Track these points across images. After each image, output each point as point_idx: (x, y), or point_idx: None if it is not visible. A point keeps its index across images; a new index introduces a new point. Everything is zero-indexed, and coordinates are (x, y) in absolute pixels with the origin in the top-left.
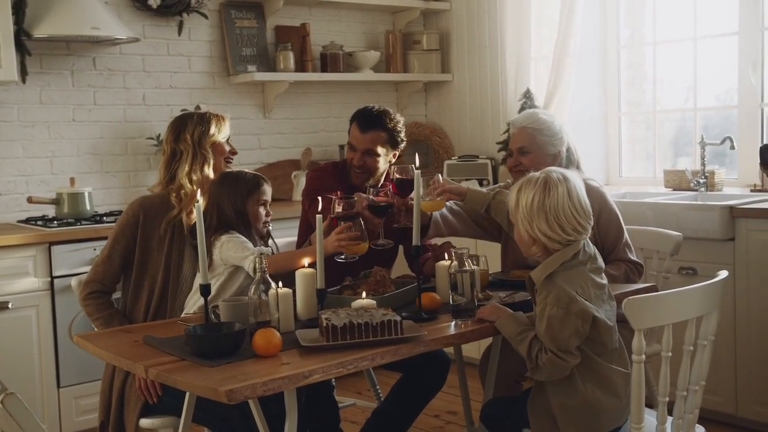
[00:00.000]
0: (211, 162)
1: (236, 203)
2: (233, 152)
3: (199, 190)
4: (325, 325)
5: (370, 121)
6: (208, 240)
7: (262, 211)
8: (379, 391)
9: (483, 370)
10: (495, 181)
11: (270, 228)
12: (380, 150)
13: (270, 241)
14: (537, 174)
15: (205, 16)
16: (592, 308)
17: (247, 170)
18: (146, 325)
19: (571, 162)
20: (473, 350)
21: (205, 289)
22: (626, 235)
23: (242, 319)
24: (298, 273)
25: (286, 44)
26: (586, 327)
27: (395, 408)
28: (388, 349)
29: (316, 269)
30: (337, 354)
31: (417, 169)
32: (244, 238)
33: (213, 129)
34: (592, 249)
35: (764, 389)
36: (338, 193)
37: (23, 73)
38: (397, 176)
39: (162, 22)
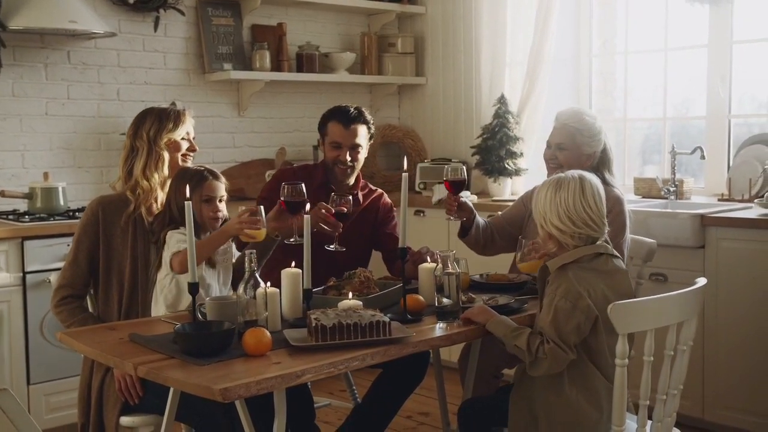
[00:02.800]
0: (166, 159)
1: (180, 200)
2: (192, 149)
3: (158, 187)
4: (314, 325)
5: (353, 117)
6: (147, 241)
7: (206, 208)
8: (356, 391)
9: (463, 370)
10: (468, 186)
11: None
12: (364, 143)
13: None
14: (556, 174)
15: (182, 13)
16: (596, 311)
17: (202, 166)
18: (130, 322)
19: (603, 163)
20: (444, 352)
21: (193, 288)
22: (624, 243)
23: (229, 318)
24: (284, 273)
25: (263, 43)
26: (588, 326)
27: (374, 405)
28: (378, 350)
29: (302, 269)
30: (327, 354)
31: (405, 171)
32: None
33: (170, 126)
34: (621, 266)
35: (731, 394)
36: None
37: None
38: (450, 178)
39: (138, 18)
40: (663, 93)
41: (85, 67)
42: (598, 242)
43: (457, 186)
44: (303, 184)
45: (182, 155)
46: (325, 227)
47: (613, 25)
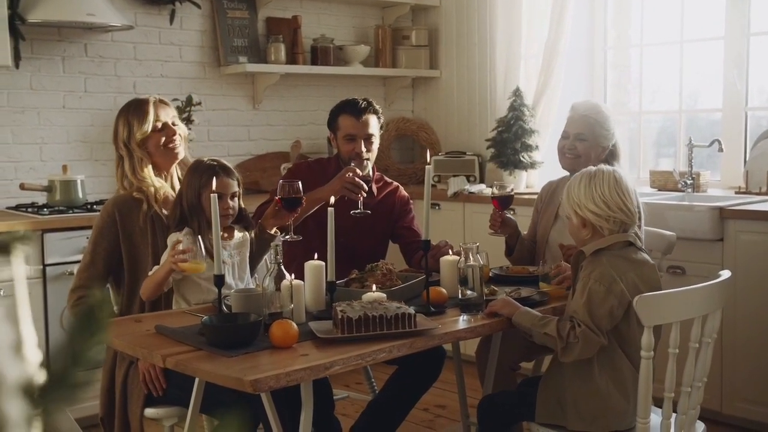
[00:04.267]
0: (146, 159)
1: (190, 196)
2: (170, 134)
3: (157, 183)
4: (340, 317)
5: (363, 108)
6: (167, 235)
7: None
8: (374, 383)
9: (481, 363)
10: (482, 178)
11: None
12: (376, 133)
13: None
14: (587, 169)
15: (198, 6)
16: (630, 297)
17: (215, 160)
18: (155, 314)
19: (613, 156)
20: (461, 345)
21: (218, 280)
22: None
23: (253, 310)
24: (307, 265)
25: (278, 36)
26: (620, 312)
27: (391, 399)
28: (404, 342)
29: (325, 261)
30: (354, 346)
31: (428, 164)
32: (178, 241)
33: (135, 124)
34: (649, 259)
35: (749, 387)
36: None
37: (16, 58)
38: (497, 192)
39: (154, 11)
40: (678, 85)
41: (102, 60)
42: (629, 232)
43: (504, 202)
44: (300, 183)
45: (164, 145)
46: (351, 193)
47: (627, 17)
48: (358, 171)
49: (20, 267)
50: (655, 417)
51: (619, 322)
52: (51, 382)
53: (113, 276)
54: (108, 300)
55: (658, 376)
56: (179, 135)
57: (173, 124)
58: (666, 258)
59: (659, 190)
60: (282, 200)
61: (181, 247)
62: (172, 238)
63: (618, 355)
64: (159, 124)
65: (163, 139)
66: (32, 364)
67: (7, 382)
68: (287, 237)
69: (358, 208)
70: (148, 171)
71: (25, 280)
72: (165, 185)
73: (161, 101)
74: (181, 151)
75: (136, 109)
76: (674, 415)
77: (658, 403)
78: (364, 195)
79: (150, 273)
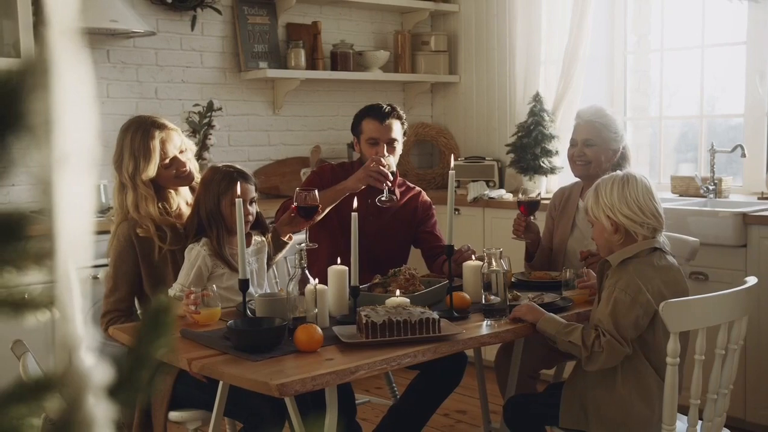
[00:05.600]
0: (150, 198)
1: (208, 204)
2: (180, 168)
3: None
4: (364, 321)
5: (387, 112)
6: (185, 247)
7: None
8: (396, 388)
9: (500, 369)
10: (502, 184)
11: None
12: (400, 138)
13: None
14: (614, 173)
15: (219, 12)
16: (655, 306)
17: (231, 166)
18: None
19: (625, 158)
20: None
21: (244, 284)
22: None
23: (277, 315)
24: (331, 270)
25: (298, 42)
26: (646, 321)
27: (412, 405)
28: (429, 347)
29: (348, 265)
30: (378, 351)
31: (451, 170)
32: (197, 262)
33: (141, 164)
34: (675, 263)
35: None
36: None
37: None
38: (524, 197)
39: (176, 17)
40: (699, 90)
41: (125, 66)
42: (656, 239)
43: (531, 207)
44: (317, 191)
45: (175, 176)
46: (376, 181)
47: (648, 22)
48: (382, 161)
49: (74, 270)
50: (681, 424)
51: (644, 330)
52: (117, 385)
53: (137, 295)
54: (174, 304)
55: (684, 383)
56: (188, 161)
57: (181, 152)
58: (689, 264)
59: (680, 195)
60: (298, 208)
61: (192, 297)
62: (191, 251)
63: (642, 364)
64: (167, 161)
65: (174, 172)
66: (86, 364)
67: (90, 383)
68: (304, 245)
69: (383, 198)
70: (153, 208)
71: (78, 282)
72: (168, 218)
73: (166, 128)
74: (194, 172)
75: (142, 146)
76: (700, 422)
77: (684, 410)
78: (389, 184)
79: (170, 293)
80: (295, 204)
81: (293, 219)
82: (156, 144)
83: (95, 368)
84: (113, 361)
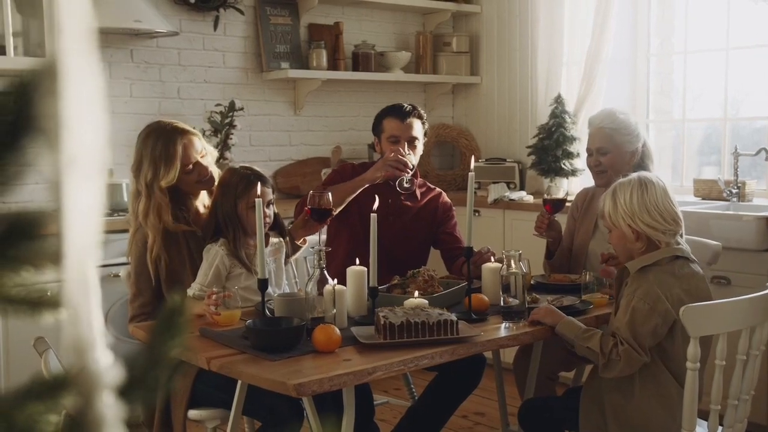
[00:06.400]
0: (164, 206)
1: (225, 207)
2: (202, 173)
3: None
4: (382, 323)
5: (408, 111)
6: (203, 247)
7: (253, 214)
8: (414, 390)
9: (519, 371)
10: (522, 185)
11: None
12: (420, 137)
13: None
14: (629, 176)
15: (241, 12)
16: (675, 315)
17: (249, 169)
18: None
19: (646, 156)
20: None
21: (263, 284)
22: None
23: (295, 315)
24: (349, 271)
25: (319, 42)
26: (664, 329)
27: (430, 407)
28: (446, 348)
29: (367, 265)
30: (396, 352)
31: (471, 171)
32: (215, 261)
33: (161, 171)
34: (698, 271)
35: None
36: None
37: None
38: (551, 197)
39: (198, 17)
40: (723, 93)
41: (148, 66)
42: (678, 246)
43: (556, 206)
44: (330, 194)
45: (197, 181)
46: (396, 170)
47: (671, 24)
48: (401, 151)
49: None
50: (701, 430)
51: (662, 339)
52: (130, 384)
53: (160, 298)
54: (194, 304)
55: (704, 389)
56: (210, 165)
57: (202, 156)
58: (711, 268)
59: (703, 198)
60: (311, 211)
61: (213, 297)
62: (209, 251)
63: (662, 371)
64: (190, 167)
65: (196, 177)
66: (103, 365)
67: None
68: (321, 247)
69: (404, 182)
70: (167, 216)
71: (98, 282)
72: (181, 225)
73: (187, 133)
74: (215, 176)
75: (163, 152)
76: (720, 428)
77: (704, 416)
78: (409, 172)
79: (189, 293)
80: (308, 207)
81: (307, 222)
82: (178, 150)
83: (107, 368)
84: (127, 360)
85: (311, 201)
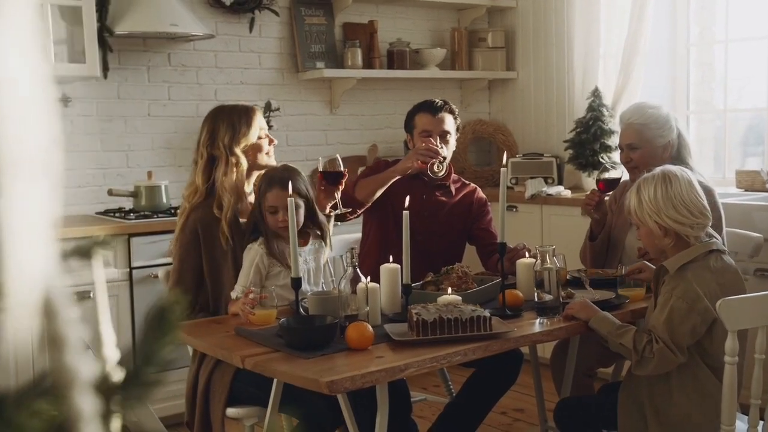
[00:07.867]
0: (244, 165)
1: (255, 206)
2: (271, 142)
3: (237, 193)
4: (415, 319)
5: (440, 106)
6: (246, 246)
7: (271, 218)
8: (451, 386)
9: (556, 367)
10: (560, 180)
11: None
12: (452, 132)
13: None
14: (653, 171)
15: (276, 14)
16: (715, 313)
17: (280, 166)
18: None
19: (683, 147)
20: (538, 348)
21: (296, 283)
22: (723, 237)
23: (329, 313)
24: (383, 268)
25: (354, 41)
26: (703, 329)
27: (468, 403)
28: (479, 345)
29: (400, 263)
30: (429, 348)
31: (503, 166)
32: (255, 260)
33: (243, 130)
34: (731, 263)
35: None
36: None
37: (105, 69)
38: (605, 176)
39: (234, 19)
40: (767, 82)
41: (185, 69)
42: (712, 239)
43: (610, 185)
44: (338, 155)
45: (267, 153)
46: (426, 158)
47: (712, 12)
48: (432, 140)
49: (100, 270)
50: (741, 424)
51: (701, 337)
52: (124, 381)
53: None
54: (180, 301)
55: (744, 383)
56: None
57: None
58: (753, 260)
59: (746, 190)
60: (324, 174)
61: (250, 297)
62: (249, 250)
63: (701, 369)
64: (263, 133)
65: (266, 147)
66: (110, 363)
67: (80, 379)
68: (337, 211)
69: (434, 167)
70: (240, 176)
71: (104, 283)
72: (245, 198)
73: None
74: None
75: (243, 116)
76: (761, 422)
77: (745, 409)
78: (441, 160)
79: (233, 295)
80: (320, 172)
81: (324, 189)
82: (257, 117)
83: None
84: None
85: (322, 166)
